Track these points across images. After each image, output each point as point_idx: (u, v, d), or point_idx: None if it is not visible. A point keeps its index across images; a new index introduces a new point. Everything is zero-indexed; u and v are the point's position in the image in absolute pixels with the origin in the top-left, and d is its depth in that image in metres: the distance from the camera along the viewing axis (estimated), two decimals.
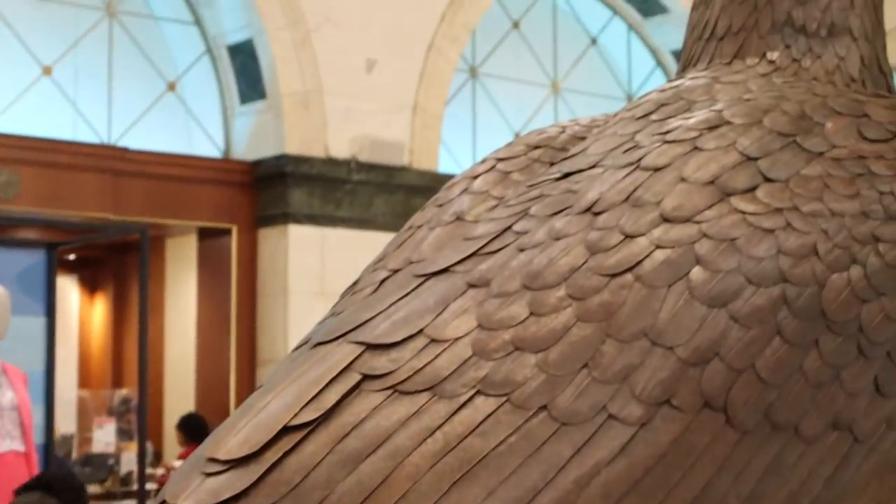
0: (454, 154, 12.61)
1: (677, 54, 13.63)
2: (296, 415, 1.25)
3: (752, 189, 1.39)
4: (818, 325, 1.34)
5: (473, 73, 13.03)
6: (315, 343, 1.35)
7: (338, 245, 11.03)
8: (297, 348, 1.41)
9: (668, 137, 1.46)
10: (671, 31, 13.69)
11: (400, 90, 11.62)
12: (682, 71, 1.75)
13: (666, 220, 1.36)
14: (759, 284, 1.33)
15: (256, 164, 11.40)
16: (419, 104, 11.72)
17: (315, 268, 10.96)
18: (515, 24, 13.37)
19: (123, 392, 12.31)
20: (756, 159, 1.42)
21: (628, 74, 14.19)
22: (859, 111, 1.53)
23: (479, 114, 13.10)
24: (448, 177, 11.52)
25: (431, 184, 11.55)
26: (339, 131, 11.26)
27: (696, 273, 1.32)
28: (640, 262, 1.33)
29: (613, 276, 1.32)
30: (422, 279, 1.38)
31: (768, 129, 1.46)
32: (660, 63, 14.09)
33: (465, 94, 12.95)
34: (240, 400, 11.10)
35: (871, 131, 1.51)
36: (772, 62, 1.68)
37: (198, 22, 11.59)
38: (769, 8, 1.70)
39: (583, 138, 1.62)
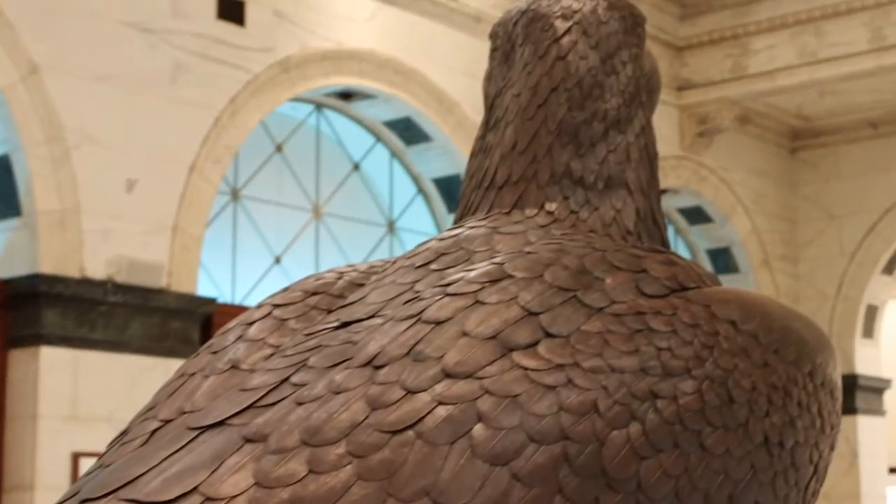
0: (213, 277, 12.48)
1: (439, 182, 13.86)
2: None
3: (534, 344, 1.39)
4: (598, 482, 1.34)
5: (235, 195, 12.97)
6: (82, 500, 1.29)
7: (92, 368, 10.75)
8: (61, 503, 1.34)
9: (450, 290, 1.45)
10: (433, 159, 13.88)
11: (160, 211, 11.46)
12: (461, 218, 1.75)
13: (448, 375, 1.34)
14: (541, 442, 1.32)
15: (8, 283, 11.07)
16: (179, 226, 11.58)
17: (67, 391, 10.64)
18: (279, 147, 13.37)
19: None
20: (538, 314, 1.42)
21: (390, 201, 14.31)
22: (638, 266, 1.55)
23: (240, 236, 13.01)
24: (206, 300, 11.43)
25: (189, 307, 11.38)
26: (96, 251, 11.03)
27: (479, 430, 1.30)
28: (421, 418, 1.30)
29: (395, 432, 1.29)
30: (196, 432, 1.33)
31: (549, 283, 1.46)
32: (421, 190, 14.24)
33: (226, 217, 12.86)
34: None
35: (648, 286, 1.52)
36: (550, 213, 1.69)
37: None
38: (548, 159, 1.72)
39: (361, 285, 1.60)
